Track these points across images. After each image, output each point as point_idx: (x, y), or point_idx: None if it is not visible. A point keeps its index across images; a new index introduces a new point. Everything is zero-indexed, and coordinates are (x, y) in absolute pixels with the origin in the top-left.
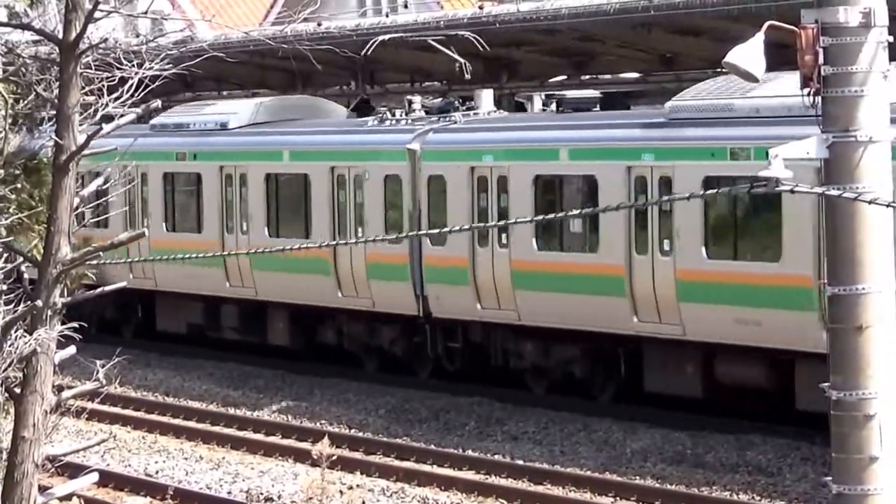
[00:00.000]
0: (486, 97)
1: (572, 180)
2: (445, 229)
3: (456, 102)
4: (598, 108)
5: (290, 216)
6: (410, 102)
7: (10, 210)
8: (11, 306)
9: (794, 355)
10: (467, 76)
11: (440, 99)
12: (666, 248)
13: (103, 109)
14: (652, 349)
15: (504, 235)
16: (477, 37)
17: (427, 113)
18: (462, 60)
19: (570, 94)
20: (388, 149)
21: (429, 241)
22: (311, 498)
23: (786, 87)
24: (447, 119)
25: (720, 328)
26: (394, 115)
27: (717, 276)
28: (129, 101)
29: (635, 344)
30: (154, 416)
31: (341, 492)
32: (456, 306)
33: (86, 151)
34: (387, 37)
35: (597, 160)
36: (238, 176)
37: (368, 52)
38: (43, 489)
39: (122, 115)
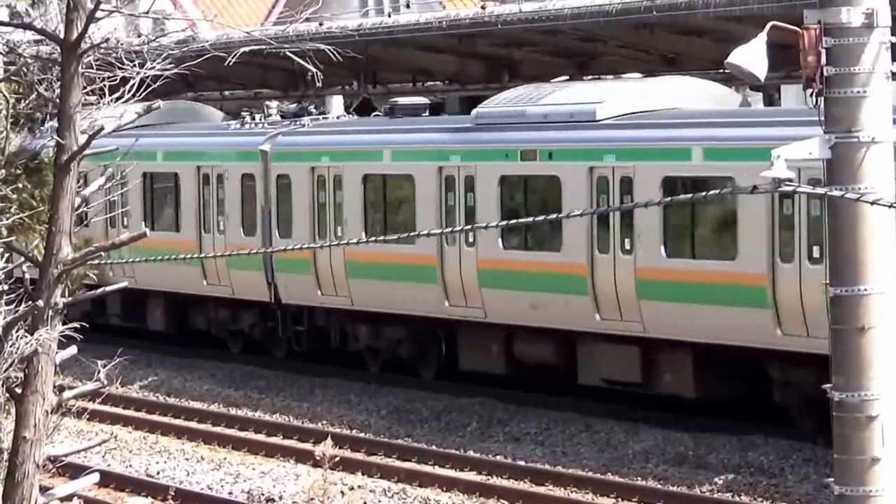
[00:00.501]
0: (336, 102)
1: (395, 179)
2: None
3: (310, 107)
4: (426, 114)
5: (163, 211)
6: (268, 107)
7: (12, 210)
8: (13, 306)
9: (575, 335)
10: (318, 84)
11: (296, 105)
12: (471, 239)
13: (104, 109)
14: (463, 331)
15: (340, 229)
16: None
17: (282, 117)
18: (314, 70)
19: (402, 100)
20: (245, 150)
21: (277, 235)
22: (312, 499)
23: (571, 96)
24: (297, 123)
25: (517, 312)
26: (254, 118)
27: (512, 265)
28: (131, 101)
29: (451, 326)
30: (155, 417)
31: (343, 492)
32: (301, 293)
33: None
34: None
35: (414, 161)
36: (119, 174)
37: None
38: (44, 489)
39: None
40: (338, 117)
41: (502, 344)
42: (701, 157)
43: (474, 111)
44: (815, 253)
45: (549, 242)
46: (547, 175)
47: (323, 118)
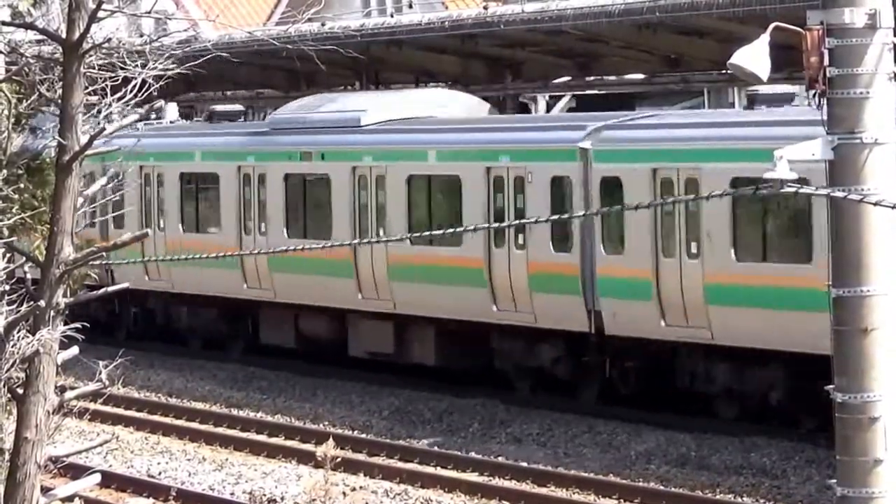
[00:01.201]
0: (171, 109)
1: (204, 176)
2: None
3: (151, 114)
4: (242, 119)
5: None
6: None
7: (13, 210)
8: (14, 306)
9: (344, 313)
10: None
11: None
12: (263, 229)
13: (107, 110)
14: (262, 310)
15: (162, 222)
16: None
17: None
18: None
19: (220, 107)
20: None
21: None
22: (314, 499)
23: (342, 105)
24: (134, 128)
25: (302, 294)
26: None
27: (297, 253)
28: (133, 101)
29: (254, 307)
30: (157, 417)
31: (344, 493)
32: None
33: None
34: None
35: (216, 161)
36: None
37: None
38: (45, 490)
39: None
40: (171, 122)
41: (292, 321)
42: (434, 159)
43: (269, 117)
44: (521, 239)
45: (324, 233)
46: (320, 173)
47: (157, 122)
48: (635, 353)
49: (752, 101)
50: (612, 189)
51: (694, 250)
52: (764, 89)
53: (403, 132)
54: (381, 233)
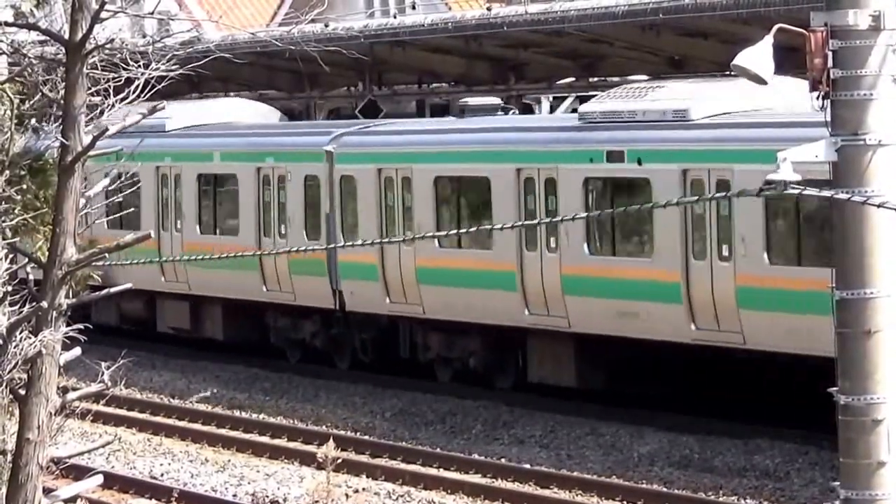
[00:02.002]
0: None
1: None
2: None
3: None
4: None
5: None
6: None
7: (16, 211)
8: (17, 308)
9: (153, 294)
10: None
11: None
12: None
13: (109, 110)
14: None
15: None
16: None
17: None
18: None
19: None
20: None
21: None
22: (316, 501)
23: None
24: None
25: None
26: None
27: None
28: (136, 102)
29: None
30: (159, 419)
31: (347, 495)
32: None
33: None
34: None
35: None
36: None
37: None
38: (47, 491)
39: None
40: None
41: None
42: (219, 159)
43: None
44: (283, 230)
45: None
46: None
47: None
48: (370, 327)
49: (463, 111)
50: (350, 186)
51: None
52: (473, 100)
53: (198, 137)
54: (179, 224)
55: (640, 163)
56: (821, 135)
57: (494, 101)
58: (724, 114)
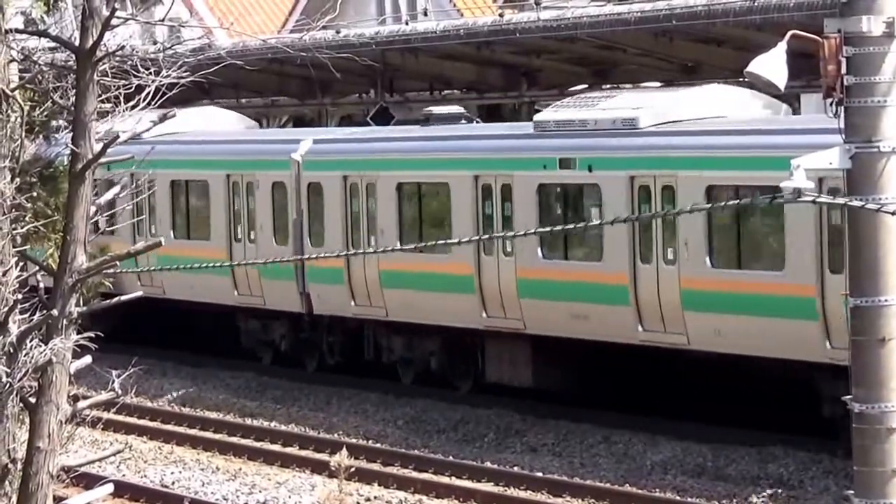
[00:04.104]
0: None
1: None
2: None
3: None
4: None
5: None
6: None
7: (26, 218)
8: (27, 315)
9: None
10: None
11: None
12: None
13: (120, 117)
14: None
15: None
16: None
17: None
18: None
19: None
20: None
21: None
22: None
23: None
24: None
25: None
26: None
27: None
28: (146, 109)
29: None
30: (170, 427)
31: (359, 503)
32: None
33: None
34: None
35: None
36: None
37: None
38: (58, 500)
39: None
40: None
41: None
42: (190, 167)
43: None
44: (252, 236)
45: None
46: None
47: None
48: (336, 329)
49: (427, 119)
50: (317, 191)
51: (372, 242)
52: (438, 109)
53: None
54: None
55: (590, 170)
56: (770, 143)
57: (458, 110)
58: (672, 122)
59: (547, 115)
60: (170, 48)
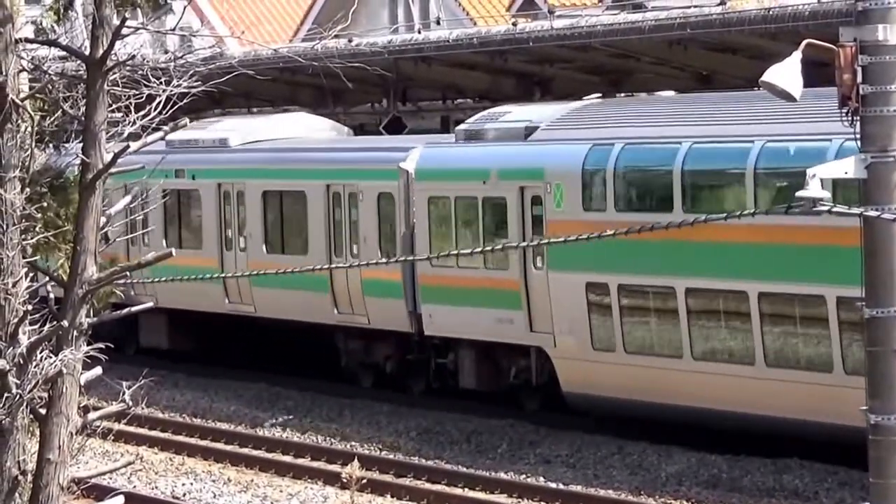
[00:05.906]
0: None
1: None
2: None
3: None
4: None
5: None
6: None
7: (37, 229)
8: (37, 326)
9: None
10: None
11: None
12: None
13: (131, 127)
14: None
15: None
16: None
17: None
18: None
19: None
20: None
21: None
22: None
23: None
24: None
25: None
26: None
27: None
28: (157, 119)
29: None
30: (181, 438)
31: None
32: None
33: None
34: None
35: None
36: None
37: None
38: None
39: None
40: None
41: None
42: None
43: None
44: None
45: None
46: None
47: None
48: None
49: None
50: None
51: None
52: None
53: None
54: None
55: (194, 178)
56: (299, 158)
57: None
58: (256, 142)
59: (174, 135)
60: (181, 57)
